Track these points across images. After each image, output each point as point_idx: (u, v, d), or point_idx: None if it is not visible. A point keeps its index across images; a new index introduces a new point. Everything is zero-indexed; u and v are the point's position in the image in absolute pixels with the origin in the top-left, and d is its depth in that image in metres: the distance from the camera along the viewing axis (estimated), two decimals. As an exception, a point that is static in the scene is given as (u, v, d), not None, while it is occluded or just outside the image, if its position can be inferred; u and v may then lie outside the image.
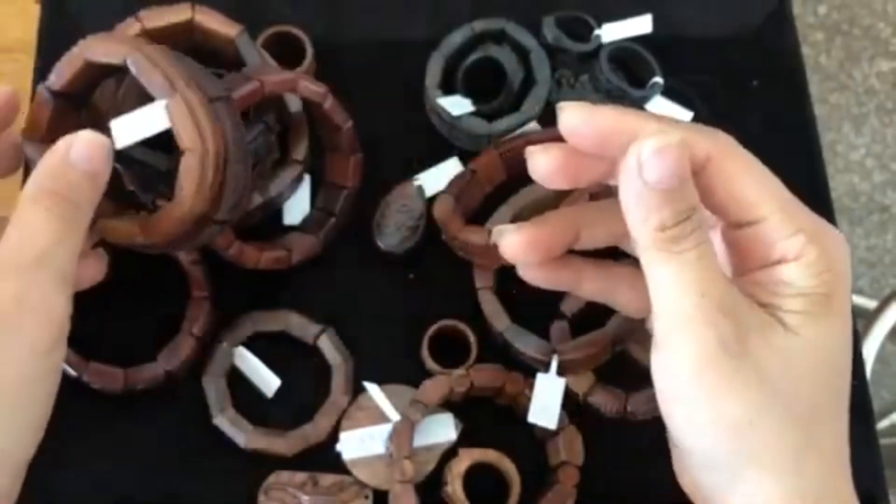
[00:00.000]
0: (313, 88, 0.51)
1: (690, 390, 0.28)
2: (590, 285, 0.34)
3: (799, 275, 0.29)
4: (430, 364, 0.53)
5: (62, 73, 0.40)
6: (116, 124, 0.38)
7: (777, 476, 0.28)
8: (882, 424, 1.14)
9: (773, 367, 0.28)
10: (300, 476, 0.51)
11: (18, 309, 0.31)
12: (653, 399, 0.31)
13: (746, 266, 0.30)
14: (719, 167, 0.29)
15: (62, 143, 0.35)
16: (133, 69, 0.37)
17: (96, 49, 0.38)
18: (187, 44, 0.54)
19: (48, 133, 0.40)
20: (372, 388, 0.52)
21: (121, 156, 0.38)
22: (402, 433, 0.50)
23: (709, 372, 0.28)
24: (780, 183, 0.31)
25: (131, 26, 0.51)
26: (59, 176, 0.34)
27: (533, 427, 0.52)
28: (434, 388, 0.51)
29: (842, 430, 0.30)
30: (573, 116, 0.29)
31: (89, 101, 0.44)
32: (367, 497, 0.51)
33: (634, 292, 0.33)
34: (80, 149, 0.35)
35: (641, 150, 0.28)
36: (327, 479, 0.51)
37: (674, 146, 0.27)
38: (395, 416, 0.51)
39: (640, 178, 0.28)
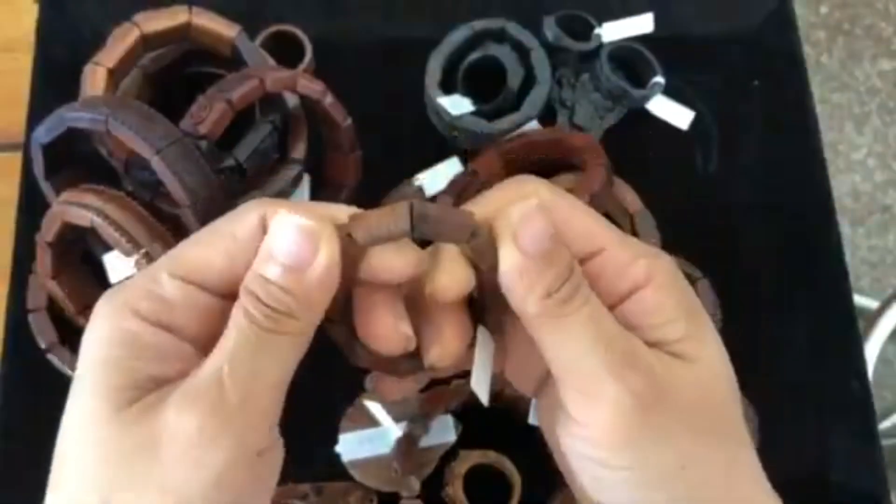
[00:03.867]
0: (312, 86, 0.51)
1: (614, 454, 0.27)
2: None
3: (659, 299, 0.28)
4: (430, 365, 0.53)
5: (48, 229, 0.49)
6: (109, 258, 0.48)
7: None
8: (884, 425, 1.14)
9: (687, 404, 0.28)
10: (303, 486, 0.51)
11: (169, 444, 0.25)
12: None
13: (605, 303, 0.30)
14: (550, 206, 0.29)
15: (269, 236, 0.27)
16: (99, 231, 0.46)
17: (67, 212, 0.47)
18: (184, 45, 0.54)
19: (54, 273, 0.50)
20: (372, 406, 0.52)
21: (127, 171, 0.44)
22: (406, 450, 0.50)
23: (630, 430, 0.27)
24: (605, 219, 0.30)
25: (129, 31, 0.51)
26: (257, 275, 0.27)
27: (534, 428, 0.52)
28: (434, 399, 0.51)
29: (749, 448, 0.30)
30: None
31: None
32: (371, 500, 0.51)
33: (514, 365, 0.32)
34: (277, 238, 0.27)
35: (513, 222, 0.27)
36: (331, 487, 0.51)
37: (536, 209, 0.27)
38: (396, 430, 0.51)
39: (517, 249, 0.27)
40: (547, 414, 0.31)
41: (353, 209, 0.28)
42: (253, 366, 0.26)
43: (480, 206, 0.28)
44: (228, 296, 0.28)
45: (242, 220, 0.28)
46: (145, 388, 0.26)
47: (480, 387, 0.30)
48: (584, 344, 0.27)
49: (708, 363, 0.29)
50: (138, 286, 0.27)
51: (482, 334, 0.30)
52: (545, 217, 0.27)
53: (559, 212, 0.29)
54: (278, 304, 0.26)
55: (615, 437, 0.27)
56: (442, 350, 0.29)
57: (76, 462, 0.26)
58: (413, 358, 0.30)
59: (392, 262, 0.28)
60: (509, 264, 0.27)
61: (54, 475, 0.27)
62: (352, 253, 0.27)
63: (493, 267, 0.28)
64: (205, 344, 0.28)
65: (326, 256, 0.26)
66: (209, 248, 0.28)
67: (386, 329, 0.29)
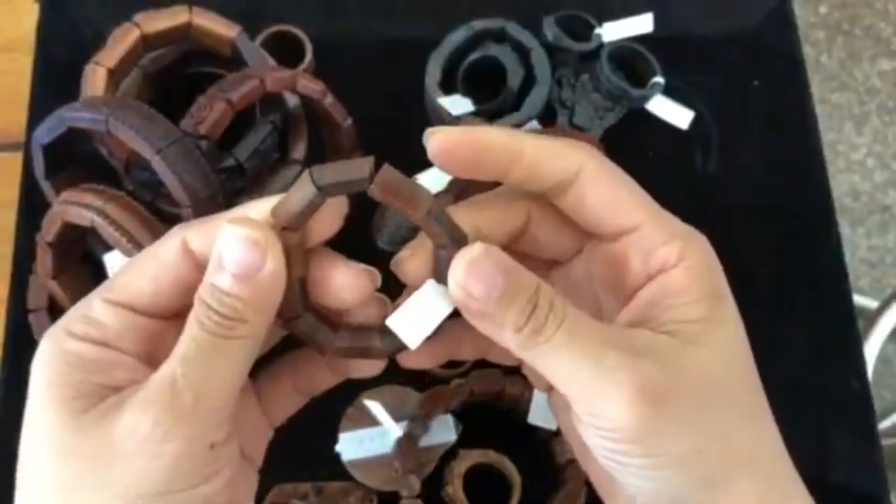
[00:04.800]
0: (312, 86, 0.51)
1: (631, 447, 0.28)
2: (468, 347, 0.33)
3: (686, 280, 0.29)
4: (430, 365, 0.53)
5: (49, 229, 0.48)
6: (109, 258, 0.49)
7: (744, 485, 0.28)
8: (883, 425, 1.14)
9: (697, 389, 0.28)
10: (303, 487, 0.51)
11: (123, 445, 0.27)
12: None
13: (631, 283, 0.30)
14: (592, 175, 0.29)
15: (216, 246, 0.28)
16: (99, 230, 0.45)
17: (68, 212, 0.46)
18: (185, 46, 0.54)
19: (55, 273, 0.50)
20: (372, 405, 0.52)
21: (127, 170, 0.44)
22: (406, 450, 0.50)
23: (641, 424, 0.27)
24: (648, 194, 0.30)
25: (129, 31, 0.51)
26: (209, 284, 0.28)
27: (534, 428, 0.52)
28: (434, 399, 0.51)
29: (772, 425, 0.31)
30: (440, 140, 0.29)
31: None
32: (371, 500, 0.51)
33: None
34: (223, 248, 0.27)
35: (457, 276, 0.27)
36: (331, 487, 0.51)
37: (478, 254, 0.27)
38: (396, 430, 0.51)
39: (471, 299, 0.27)
40: (562, 409, 0.32)
41: (268, 202, 0.29)
42: (206, 368, 0.27)
43: (531, 148, 0.29)
44: (164, 314, 0.30)
45: (164, 244, 0.29)
46: (97, 396, 0.28)
47: (402, 326, 0.29)
48: (571, 362, 0.27)
49: (722, 347, 0.29)
50: (74, 313, 0.29)
51: (433, 286, 0.29)
52: (491, 258, 0.27)
53: (598, 180, 0.29)
54: (230, 311, 0.27)
55: (628, 434, 0.27)
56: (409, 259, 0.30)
57: (36, 469, 0.28)
58: (386, 336, 0.30)
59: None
60: (470, 313, 0.28)
61: (18, 487, 0.28)
62: (292, 246, 0.28)
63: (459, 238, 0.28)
64: (149, 358, 0.29)
65: (272, 262, 0.27)
66: (136, 273, 0.29)
67: (343, 274, 0.29)
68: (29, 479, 0.28)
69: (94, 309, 0.29)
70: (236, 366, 0.28)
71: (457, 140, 0.29)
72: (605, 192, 0.29)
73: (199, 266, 0.29)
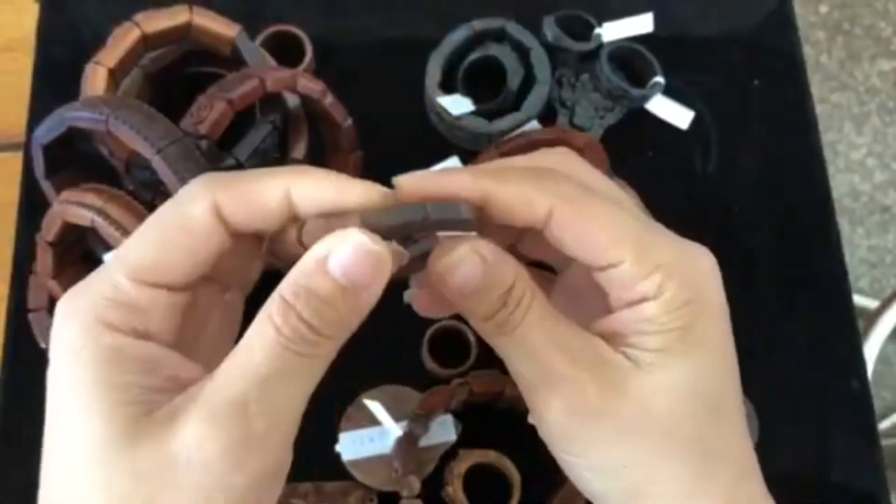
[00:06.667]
0: (312, 86, 0.51)
1: (564, 445, 0.30)
2: None
3: (657, 312, 0.29)
4: (430, 364, 0.53)
5: (49, 229, 0.49)
6: (109, 258, 0.46)
7: None
8: (883, 425, 1.14)
9: (627, 414, 0.28)
10: (304, 486, 0.51)
11: (187, 467, 0.24)
12: None
13: (612, 304, 0.30)
14: (565, 218, 0.28)
15: (322, 245, 0.25)
16: (100, 230, 0.46)
17: (68, 211, 0.47)
18: (185, 45, 0.55)
19: (55, 272, 0.50)
20: (372, 405, 0.52)
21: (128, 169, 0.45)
22: (406, 450, 0.50)
23: (572, 430, 0.29)
24: (634, 215, 0.30)
25: (129, 31, 0.51)
26: (303, 287, 0.25)
27: (534, 428, 0.52)
28: (434, 399, 0.51)
29: (736, 456, 0.30)
30: (409, 186, 0.28)
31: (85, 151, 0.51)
32: (371, 500, 0.51)
33: None
34: (342, 255, 0.25)
35: (437, 268, 0.28)
36: (331, 487, 0.51)
37: (465, 255, 0.28)
38: (396, 430, 0.51)
39: (447, 288, 0.28)
40: None
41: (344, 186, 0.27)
42: (281, 394, 0.25)
43: (504, 176, 0.29)
44: (190, 288, 0.27)
45: (189, 211, 0.27)
46: (145, 402, 0.25)
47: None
48: (523, 360, 0.29)
49: (674, 380, 0.29)
50: (100, 295, 0.26)
51: None
52: (473, 261, 0.28)
53: (573, 221, 0.29)
54: (321, 324, 0.25)
55: (562, 434, 0.29)
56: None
57: (77, 483, 0.25)
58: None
59: None
60: (445, 294, 0.29)
61: (52, 498, 0.26)
62: None
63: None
64: (179, 342, 0.27)
65: (382, 284, 0.26)
66: (165, 246, 0.27)
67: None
68: (67, 493, 0.25)
69: (126, 291, 0.26)
70: (309, 388, 0.26)
71: (424, 185, 0.29)
72: (580, 234, 0.29)
73: (231, 232, 0.27)
